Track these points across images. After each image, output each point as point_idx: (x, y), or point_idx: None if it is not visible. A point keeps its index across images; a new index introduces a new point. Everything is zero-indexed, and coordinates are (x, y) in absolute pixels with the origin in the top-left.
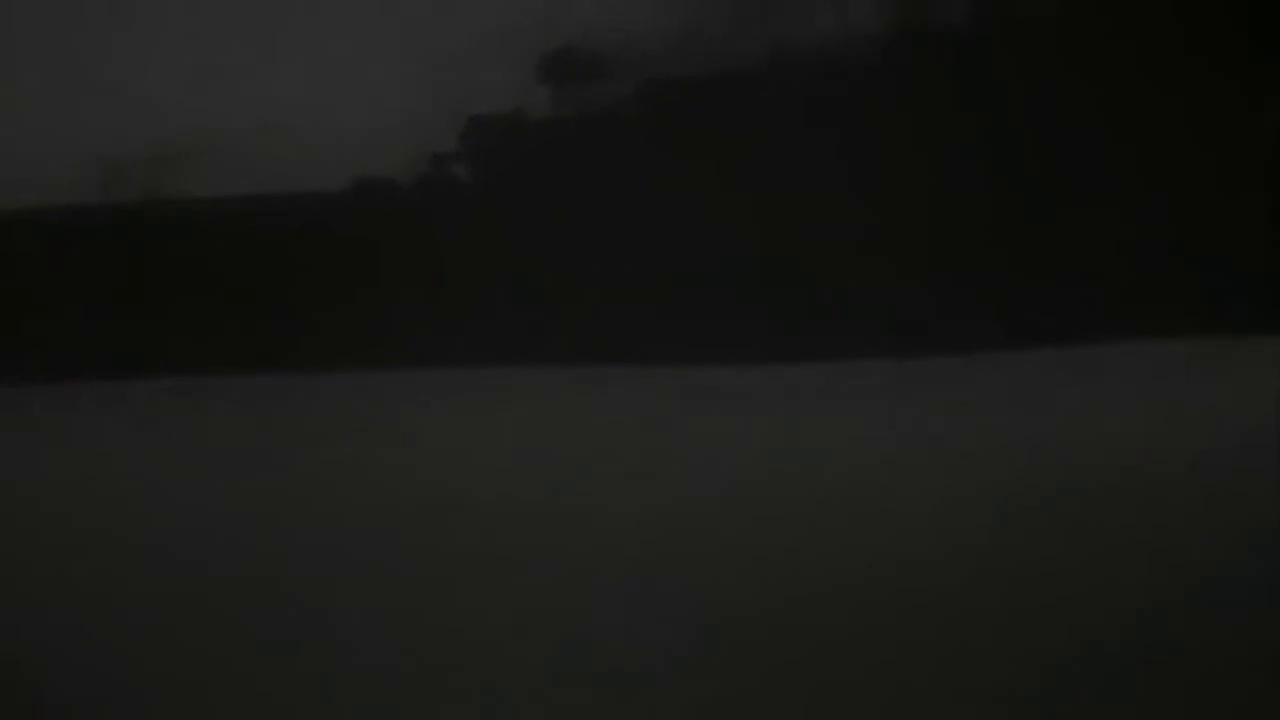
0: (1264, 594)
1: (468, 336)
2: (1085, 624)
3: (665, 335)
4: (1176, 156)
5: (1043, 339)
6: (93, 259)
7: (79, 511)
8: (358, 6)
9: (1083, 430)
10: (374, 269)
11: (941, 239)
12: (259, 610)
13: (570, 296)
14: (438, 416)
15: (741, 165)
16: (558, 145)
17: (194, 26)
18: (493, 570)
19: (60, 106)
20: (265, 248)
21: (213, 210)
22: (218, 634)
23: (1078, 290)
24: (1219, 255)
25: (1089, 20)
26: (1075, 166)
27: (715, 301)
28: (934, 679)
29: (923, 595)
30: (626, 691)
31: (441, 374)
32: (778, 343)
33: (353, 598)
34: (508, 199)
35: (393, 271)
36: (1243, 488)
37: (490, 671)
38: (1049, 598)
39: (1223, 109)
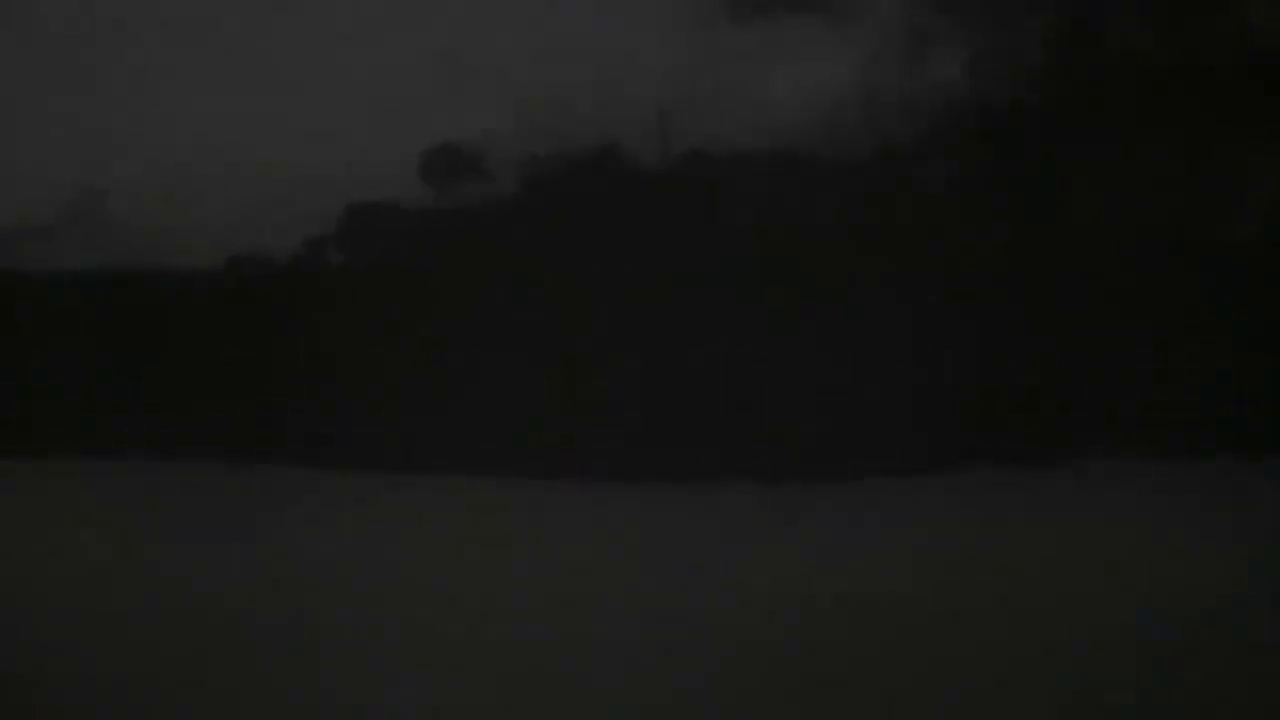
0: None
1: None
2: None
3: (546, 453)
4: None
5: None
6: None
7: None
8: (253, 89)
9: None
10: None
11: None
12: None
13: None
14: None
15: (624, 260)
16: (434, 236)
17: (73, 103)
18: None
19: None
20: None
21: (80, 279)
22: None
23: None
24: (1220, 256)
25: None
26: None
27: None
28: None
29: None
30: None
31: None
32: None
33: (326, 663)
34: (387, 283)
35: (270, 350)
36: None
37: None
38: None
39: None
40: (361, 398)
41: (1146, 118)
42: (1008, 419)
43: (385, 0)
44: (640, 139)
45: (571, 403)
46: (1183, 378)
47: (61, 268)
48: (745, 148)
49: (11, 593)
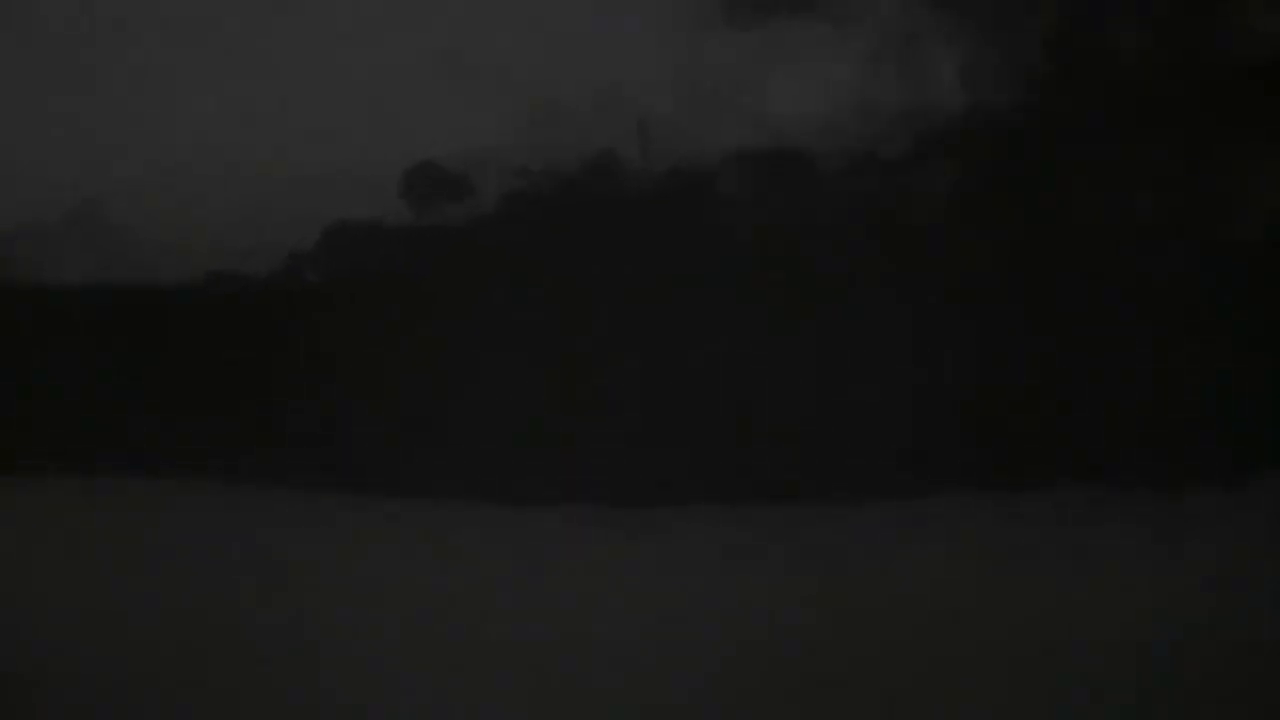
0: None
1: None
2: None
3: (507, 479)
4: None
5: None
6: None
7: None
8: (254, 90)
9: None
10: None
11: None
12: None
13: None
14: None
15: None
16: (433, 240)
17: (73, 103)
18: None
19: None
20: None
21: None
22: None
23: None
24: (1221, 255)
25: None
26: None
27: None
28: None
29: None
30: None
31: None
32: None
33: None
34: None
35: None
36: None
37: None
38: None
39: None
40: (362, 400)
41: (1146, 118)
42: (1008, 419)
43: (386, 2)
44: (637, 142)
45: (571, 404)
46: (1183, 378)
47: (61, 272)
48: (745, 149)
49: (11, 593)
